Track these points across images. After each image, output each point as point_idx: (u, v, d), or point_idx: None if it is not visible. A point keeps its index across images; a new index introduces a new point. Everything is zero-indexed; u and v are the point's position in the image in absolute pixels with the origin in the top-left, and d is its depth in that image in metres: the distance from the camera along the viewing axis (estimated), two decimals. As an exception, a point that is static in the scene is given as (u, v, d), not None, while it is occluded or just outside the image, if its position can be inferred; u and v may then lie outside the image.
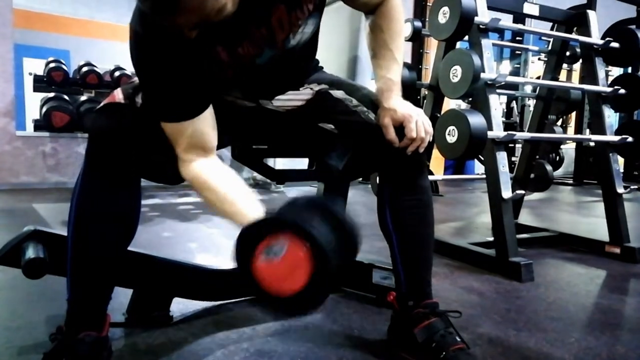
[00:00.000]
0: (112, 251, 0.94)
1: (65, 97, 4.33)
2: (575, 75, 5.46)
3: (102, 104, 0.90)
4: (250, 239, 0.74)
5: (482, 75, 1.79)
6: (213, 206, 0.87)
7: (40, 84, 4.63)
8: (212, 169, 0.90)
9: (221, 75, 0.91)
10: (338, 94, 1.02)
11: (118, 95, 0.91)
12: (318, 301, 0.76)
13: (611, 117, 2.18)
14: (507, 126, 4.98)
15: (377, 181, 1.09)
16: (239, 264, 0.76)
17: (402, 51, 1.02)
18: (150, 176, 0.96)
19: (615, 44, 2.15)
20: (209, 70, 0.88)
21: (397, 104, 0.97)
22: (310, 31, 0.95)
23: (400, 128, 0.96)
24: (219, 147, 1.10)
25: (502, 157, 1.84)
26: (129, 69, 4.62)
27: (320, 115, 1.03)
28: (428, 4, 5.51)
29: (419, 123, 0.95)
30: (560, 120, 5.33)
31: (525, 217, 2.82)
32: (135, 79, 0.92)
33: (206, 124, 0.89)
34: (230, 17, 0.78)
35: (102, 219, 0.90)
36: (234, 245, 0.75)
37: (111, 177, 0.88)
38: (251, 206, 0.83)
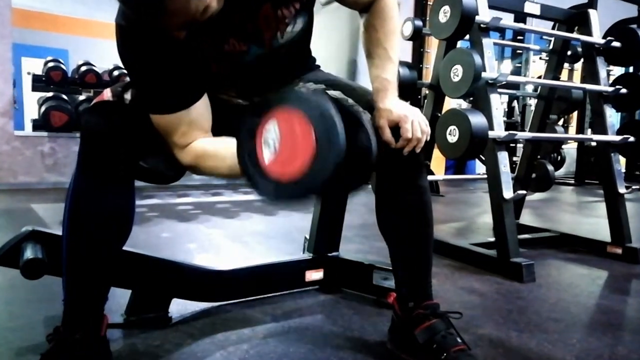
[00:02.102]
0: (106, 251, 0.93)
1: (64, 96, 4.33)
2: (577, 75, 5.45)
3: (92, 104, 0.91)
4: (244, 143, 0.74)
5: (483, 74, 1.78)
6: (218, 170, 0.87)
7: (38, 83, 4.64)
8: (208, 140, 0.91)
9: (207, 70, 0.91)
10: (334, 93, 1.02)
11: (107, 94, 0.92)
12: (335, 161, 0.67)
13: (613, 116, 2.17)
14: (508, 126, 4.97)
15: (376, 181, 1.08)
16: (250, 176, 0.74)
17: (398, 50, 1.01)
18: (144, 176, 0.96)
19: (616, 44, 2.14)
20: (195, 65, 0.89)
21: (393, 105, 0.96)
22: (299, 29, 0.95)
23: (396, 128, 0.95)
24: None
25: (503, 157, 1.84)
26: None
27: None
28: (429, 3, 5.50)
29: (414, 123, 0.94)
30: (562, 120, 5.32)
31: (526, 218, 2.82)
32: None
33: (201, 109, 0.90)
34: (216, 15, 0.78)
35: (95, 218, 0.90)
36: (239, 162, 0.75)
37: (104, 176, 0.88)
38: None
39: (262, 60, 0.94)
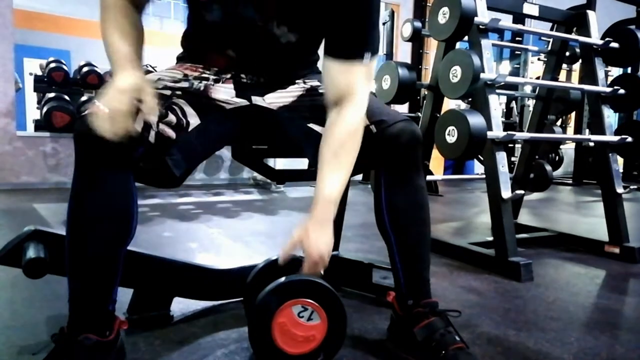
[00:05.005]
0: (106, 252, 0.91)
1: (66, 97, 4.34)
2: (575, 76, 5.46)
3: (85, 113, 0.87)
4: (267, 304, 0.89)
5: (482, 75, 1.79)
6: (104, 38, 0.89)
7: (40, 84, 4.64)
8: (125, 12, 0.90)
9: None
10: None
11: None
12: None
13: (610, 117, 2.19)
14: (507, 126, 4.98)
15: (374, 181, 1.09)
16: (261, 308, 0.89)
17: (353, 161, 0.96)
18: (144, 178, 0.96)
19: (614, 44, 2.15)
20: None
21: (310, 225, 0.93)
22: (295, 40, 0.98)
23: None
24: (216, 150, 1.10)
25: (501, 157, 1.85)
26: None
27: (311, 116, 1.04)
28: (428, 4, 5.52)
29: (309, 249, 0.92)
30: (560, 121, 5.35)
31: (524, 217, 2.82)
32: None
33: None
34: None
35: (94, 218, 0.88)
36: (265, 294, 0.89)
37: (99, 174, 0.87)
38: (130, 64, 0.86)
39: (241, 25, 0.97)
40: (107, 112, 0.79)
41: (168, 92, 0.96)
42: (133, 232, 0.94)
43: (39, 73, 4.85)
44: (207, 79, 1.04)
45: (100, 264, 0.91)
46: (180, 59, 1.11)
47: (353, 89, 0.96)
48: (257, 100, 1.07)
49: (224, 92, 1.04)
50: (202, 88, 1.02)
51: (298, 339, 0.89)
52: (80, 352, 0.86)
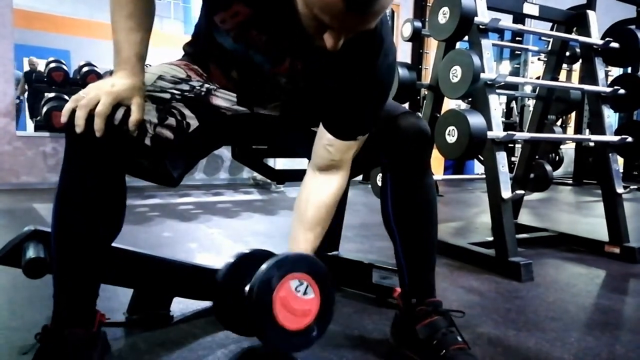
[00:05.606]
0: (95, 248, 0.91)
1: (66, 97, 4.34)
2: (575, 76, 5.46)
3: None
4: (282, 269, 0.88)
5: (482, 75, 1.79)
6: (112, 24, 0.87)
7: (40, 84, 4.65)
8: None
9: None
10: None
11: None
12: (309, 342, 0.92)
13: (611, 117, 2.18)
14: (507, 126, 4.98)
15: (380, 180, 1.09)
16: (261, 283, 0.86)
17: (327, 224, 1.02)
18: (143, 174, 0.95)
19: (615, 44, 2.15)
20: None
21: None
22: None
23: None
24: (215, 149, 1.10)
25: (501, 157, 1.85)
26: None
27: (314, 119, 1.03)
28: (428, 4, 5.51)
29: None
30: (560, 121, 5.34)
31: (525, 217, 2.82)
32: None
33: None
34: None
35: (83, 215, 0.88)
36: (264, 269, 0.87)
37: (90, 175, 0.85)
38: (131, 67, 0.86)
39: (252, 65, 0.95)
40: (83, 107, 0.79)
41: (167, 96, 0.94)
42: (121, 227, 0.94)
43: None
44: (209, 84, 1.02)
45: (89, 260, 0.91)
46: (188, 54, 1.07)
47: (346, 162, 0.98)
48: (258, 108, 1.05)
49: (226, 100, 1.02)
50: (203, 93, 0.99)
51: (297, 314, 0.89)
52: (69, 347, 0.86)
